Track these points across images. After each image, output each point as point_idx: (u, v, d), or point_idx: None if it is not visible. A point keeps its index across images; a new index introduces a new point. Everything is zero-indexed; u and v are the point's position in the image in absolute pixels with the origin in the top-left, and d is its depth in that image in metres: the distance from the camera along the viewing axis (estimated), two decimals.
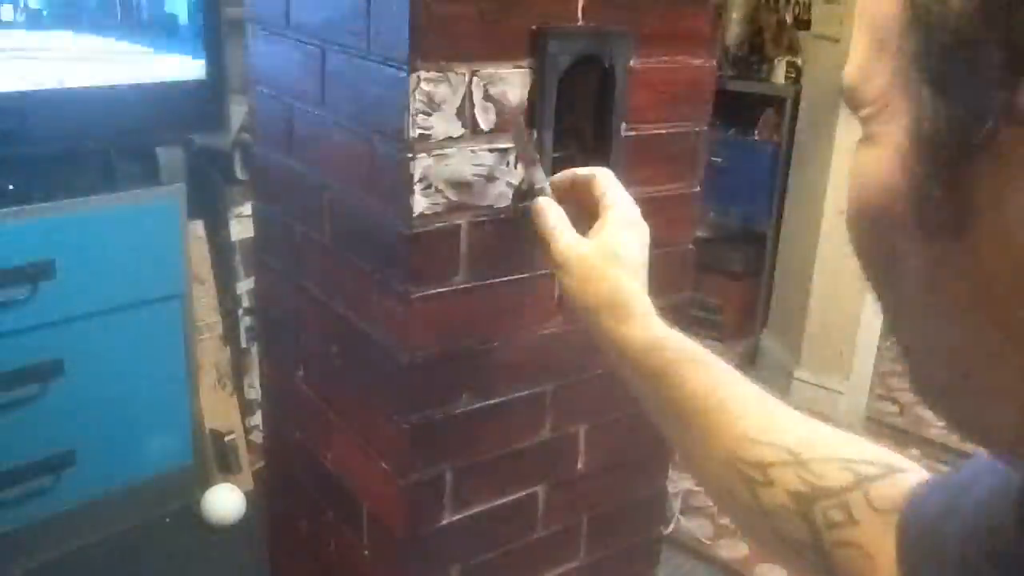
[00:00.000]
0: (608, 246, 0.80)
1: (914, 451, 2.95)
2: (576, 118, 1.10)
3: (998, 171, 0.30)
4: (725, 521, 2.51)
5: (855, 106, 0.37)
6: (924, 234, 0.34)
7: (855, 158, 0.38)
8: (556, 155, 1.08)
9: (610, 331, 0.76)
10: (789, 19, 3.49)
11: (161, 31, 2.28)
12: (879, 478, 0.57)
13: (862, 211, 0.38)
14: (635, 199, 0.88)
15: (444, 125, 0.98)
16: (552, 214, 0.85)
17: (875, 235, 0.37)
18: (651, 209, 0.89)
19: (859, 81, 0.37)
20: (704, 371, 0.69)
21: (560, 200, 0.89)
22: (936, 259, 0.34)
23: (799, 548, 0.59)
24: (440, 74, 0.96)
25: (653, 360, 0.72)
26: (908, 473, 0.57)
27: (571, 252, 0.81)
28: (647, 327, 0.75)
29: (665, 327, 0.75)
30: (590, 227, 0.85)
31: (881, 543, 0.54)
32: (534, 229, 0.86)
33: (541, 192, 0.91)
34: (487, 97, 1.00)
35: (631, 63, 1.09)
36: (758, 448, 0.62)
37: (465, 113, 1.00)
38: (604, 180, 0.88)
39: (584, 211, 0.87)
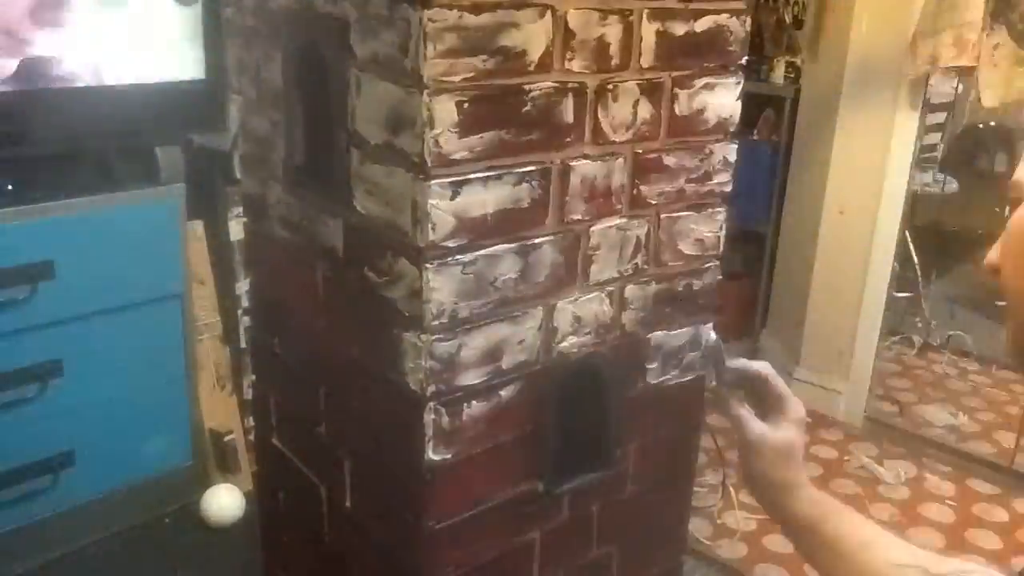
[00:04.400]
0: (788, 440, 1.04)
1: (905, 450, 2.95)
2: None
3: None
4: (724, 521, 2.51)
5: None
6: None
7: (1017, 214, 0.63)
8: None
9: (783, 506, 1.01)
10: (788, 19, 3.49)
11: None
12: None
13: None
14: None
15: None
16: (743, 408, 1.09)
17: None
18: None
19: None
20: (850, 523, 0.96)
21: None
22: None
23: None
24: None
25: (817, 526, 0.98)
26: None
27: (763, 441, 1.04)
28: (811, 504, 1.00)
29: (822, 500, 1.01)
30: (762, 411, 1.09)
31: None
32: (727, 409, 1.10)
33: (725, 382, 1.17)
34: None
35: None
36: (899, 571, 0.88)
37: None
38: (774, 378, 1.12)
39: (755, 397, 1.12)
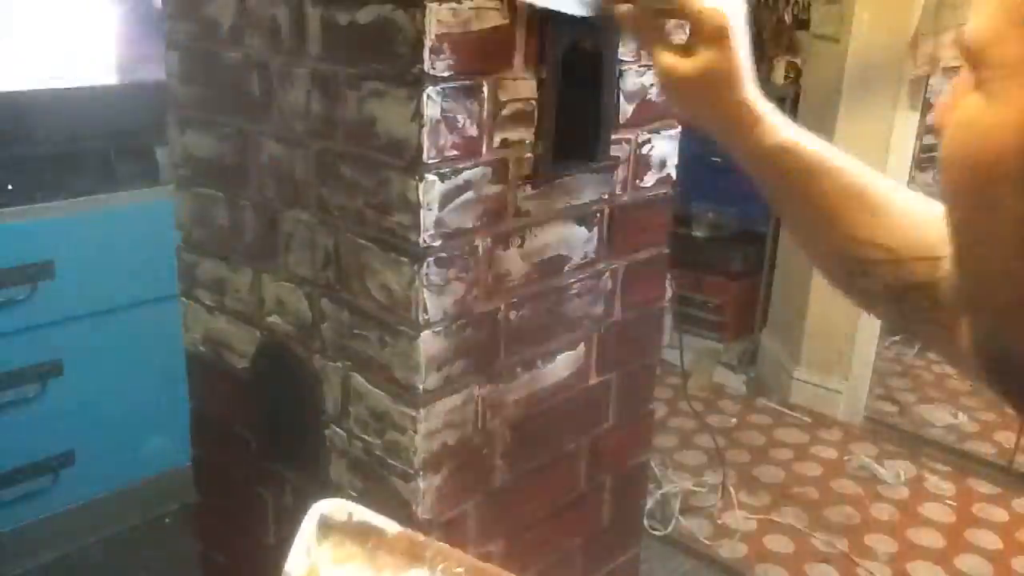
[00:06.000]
0: (713, 69, 0.77)
1: (907, 450, 2.95)
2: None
3: None
4: (724, 521, 2.51)
5: (977, 65, 0.40)
6: None
7: (965, 107, 0.41)
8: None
9: (734, 144, 0.79)
10: (788, 19, 3.49)
11: None
12: None
13: (973, 163, 0.40)
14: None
15: None
16: (643, 33, 0.84)
17: (978, 185, 0.40)
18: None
19: (989, 43, 0.39)
20: (827, 180, 0.73)
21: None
22: None
23: (889, 320, 0.73)
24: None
25: (777, 168, 0.76)
26: None
27: (676, 79, 0.79)
28: (767, 134, 0.76)
29: (786, 128, 0.77)
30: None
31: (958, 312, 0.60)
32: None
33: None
34: None
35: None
36: (863, 248, 0.70)
37: None
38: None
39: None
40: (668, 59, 0.79)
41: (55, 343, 2.10)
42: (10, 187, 2.05)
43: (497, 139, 1.08)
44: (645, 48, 0.85)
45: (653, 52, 0.81)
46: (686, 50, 0.79)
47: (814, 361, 3.15)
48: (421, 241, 1.03)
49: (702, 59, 0.77)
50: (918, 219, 0.71)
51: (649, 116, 1.30)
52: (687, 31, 0.80)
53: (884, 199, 0.73)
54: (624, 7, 0.85)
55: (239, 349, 1.36)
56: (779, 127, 0.76)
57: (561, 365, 1.28)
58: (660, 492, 2.52)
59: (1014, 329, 0.43)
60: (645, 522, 2.11)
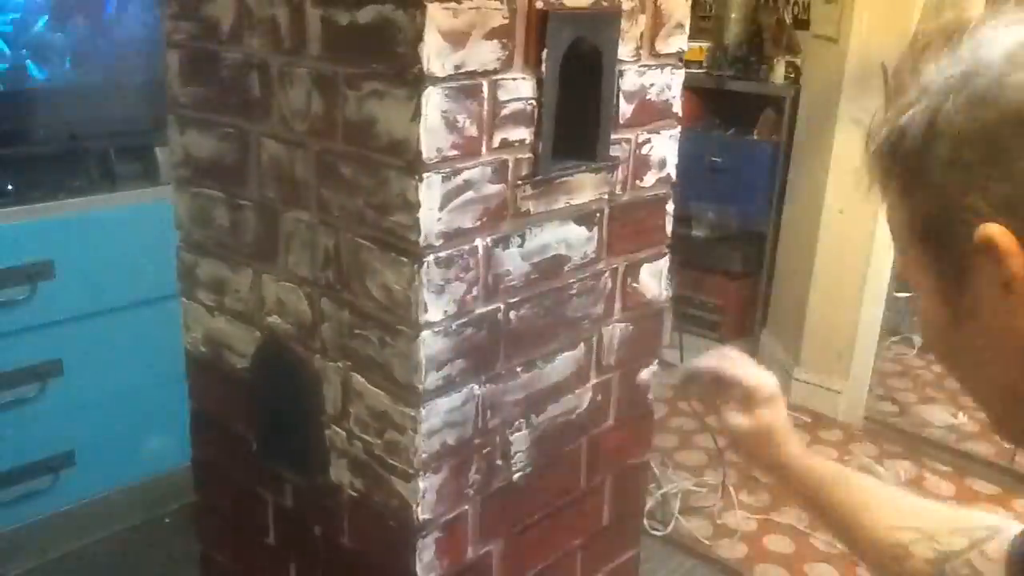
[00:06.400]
0: (758, 427, 1.01)
1: (901, 449, 2.95)
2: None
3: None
4: (724, 521, 2.51)
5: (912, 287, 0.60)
6: (970, 323, 0.55)
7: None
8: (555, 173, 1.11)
9: (784, 476, 1.02)
10: (788, 19, 3.49)
11: None
12: (988, 538, 0.81)
13: (935, 334, 0.60)
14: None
15: None
16: (712, 402, 1.06)
17: (948, 342, 0.58)
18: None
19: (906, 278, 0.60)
20: (847, 489, 0.96)
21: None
22: (980, 331, 0.55)
23: None
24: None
25: (821, 485, 0.98)
26: (1010, 529, 0.79)
27: (741, 434, 1.03)
28: (814, 465, 1.00)
29: (821, 460, 1.01)
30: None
31: None
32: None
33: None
34: None
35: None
36: (899, 533, 0.88)
37: None
38: (726, 369, 1.04)
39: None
40: (734, 419, 1.02)
41: (55, 343, 2.10)
42: (10, 187, 2.05)
43: (497, 139, 1.08)
44: (713, 411, 1.06)
45: (721, 415, 1.04)
46: (745, 411, 1.02)
47: (814, 361, 3.15)
48: (421, 241, 1.03)
49: (759, 416, 1.01)
50: (930, 505, 0.93)
51: (649, 116, 1.30)
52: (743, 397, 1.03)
53: (902, 497, 0.96)
54: (695, 386, 1.08)
55: (239, 349, 1.36)
56: (818, 462, 1.00)
57: (561, 365, 1.28)
58: (660, 492, 2.52)
59: None
60: (645, 522, 2.11)
